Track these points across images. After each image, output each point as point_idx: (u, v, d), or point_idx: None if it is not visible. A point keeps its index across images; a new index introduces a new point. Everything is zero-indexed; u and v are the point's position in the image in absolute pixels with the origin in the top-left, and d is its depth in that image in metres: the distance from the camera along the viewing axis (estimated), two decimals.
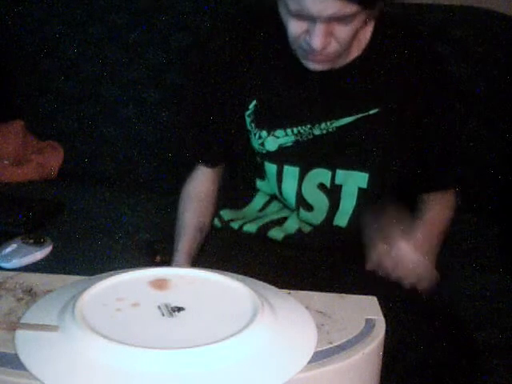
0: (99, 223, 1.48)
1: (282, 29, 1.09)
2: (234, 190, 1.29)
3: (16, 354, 0.66)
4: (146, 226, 1.48)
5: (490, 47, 1.57)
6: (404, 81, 1.15)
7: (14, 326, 0.71)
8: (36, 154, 1.75)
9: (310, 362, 0.67)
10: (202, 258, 1.20)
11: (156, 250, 1.34)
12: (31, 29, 1.78)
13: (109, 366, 0.64)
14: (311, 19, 1.02)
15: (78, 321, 0.68)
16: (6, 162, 1.72)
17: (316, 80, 1.13)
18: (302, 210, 1.19)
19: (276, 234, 1.20)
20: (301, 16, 1.03)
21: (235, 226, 1.23)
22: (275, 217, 1.21)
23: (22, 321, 0.72)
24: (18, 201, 1.54)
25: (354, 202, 1.17)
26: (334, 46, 1.06)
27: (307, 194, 1.18)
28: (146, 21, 1.72)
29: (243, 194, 1.26)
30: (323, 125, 1.15)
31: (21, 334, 0.69)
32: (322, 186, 1.17)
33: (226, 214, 1.26)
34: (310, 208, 1.19)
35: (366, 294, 0.81)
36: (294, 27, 1.06)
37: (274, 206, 1.23)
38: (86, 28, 1.75)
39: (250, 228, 1.21)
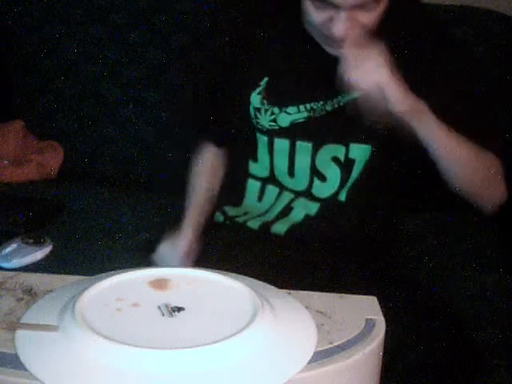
0: (99, 223, 1.48)
1: (294, 6, 1.09)
2: (227, 177, 1.29)
3: (16, 354, 0.66)
4: (146, 226, 1.48)
5: (490, 47, 1.57)
6: (417, 55, 1.15)
7: (14, 326, 0.71)
8: (36, 154, 1.74)
9: (309, 362, 0.67)
10: (202, 258, 1.20)
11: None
12: (31, 29, 1.77)
13: (109, 366, 0.64)
14: (334, 7, 1.02)
15: (78, 321, 0.68)
16: (5, 161, 1.72)
17: (328, 55, 1.13)
18: (315, 182, 1.19)
19: (279, 227, 1.20)
20: (323, 3, 1.03)
21: (239, 220, 1.23)
22: (279, 208, 1.21)
23: (22, 321, 0.72)
24: (18, 201, 1.54)
25: (358, 176, 1.17)
26: (356, 32, 1.05)
27: (321, 166, 1.18)
28: (145, 21, 1.72)
29: (235, 179, 1.26)
30: (335, 100, 1.15)
31: (21, 334, 0.69)
32: (335, 160, 1.17)
33: (229, 210, 1.26)
34: (324, 179, 1.18)
35: (366, 294, 0.81)
36: (316, 15, 1.06)
37: (271, 191, 1.23)
38: (86, 28, 1.75)
39: (254, 224, 1.21)
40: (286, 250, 1.17)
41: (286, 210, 1.21)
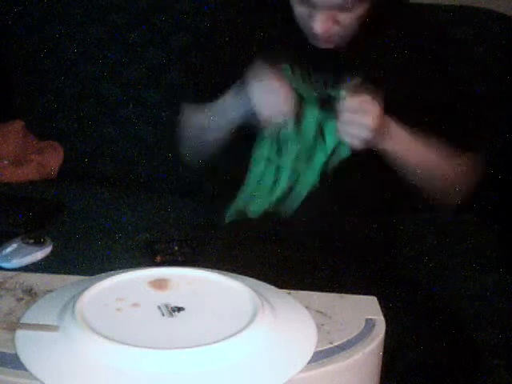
0: (99, 223, 1.48)
1: (290, 6, 1.12)
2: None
3: (16, 354, 0.66)
4: (146, 226, 1.48)
5: (490, 47, 1.57)
6: (417, 55, 1.15)
7: (14, 326, 0.71)
8: (36, 154, 1.74)
9: (310, 362, 0.67)
10: (202, 258, 1.20)
11: (156, 250, 1.34)
12: (31, 29, 1.77)
13: (109, 366, 0.64)
14: (313, 6, 1.06)
15: (78, 321, 0.68)
16: (5, 161, 1.72)
17: (325, 52, 1.14)
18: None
19: (286, 206, 1.20)
20: (304, 2, 1.07)
21: (240, 206, 1.23)
22: (280, 190, 1.21)
23: (22, 321, 0.72)
24: (18, 201, 1.54)
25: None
26: (337, 31, 1.08)
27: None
28: (146, 21, 1.72)
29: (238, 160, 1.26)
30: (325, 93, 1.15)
31: (21, 334, 0.69)
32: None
33: (229, 191, 1.25)
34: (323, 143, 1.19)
35: (365, 294, 0.81)
36: (299, 12, 1.10)
37: (270, 171, 1.22)
38: (86, 28, 1.75)
39: (257, 207, 1.21)
40: (286, 250, 1.17)
41: (288, 192, 1.20)
